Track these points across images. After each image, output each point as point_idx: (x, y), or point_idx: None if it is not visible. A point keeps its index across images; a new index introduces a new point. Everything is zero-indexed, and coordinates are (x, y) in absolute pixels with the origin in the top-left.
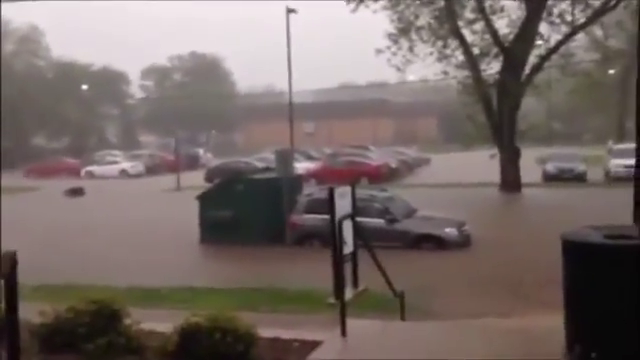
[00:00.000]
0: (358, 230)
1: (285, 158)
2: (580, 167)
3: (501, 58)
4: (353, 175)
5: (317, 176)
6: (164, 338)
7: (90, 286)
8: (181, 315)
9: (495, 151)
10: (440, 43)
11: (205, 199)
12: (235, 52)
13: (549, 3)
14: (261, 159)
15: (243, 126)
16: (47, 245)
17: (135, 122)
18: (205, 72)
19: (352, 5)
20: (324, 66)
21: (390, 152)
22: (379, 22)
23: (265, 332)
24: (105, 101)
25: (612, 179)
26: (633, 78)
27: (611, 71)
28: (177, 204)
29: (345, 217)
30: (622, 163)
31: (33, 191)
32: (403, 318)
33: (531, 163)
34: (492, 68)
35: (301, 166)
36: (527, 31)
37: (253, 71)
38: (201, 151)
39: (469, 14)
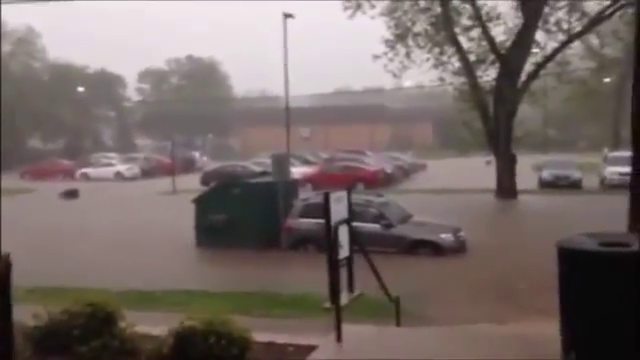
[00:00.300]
0: (354, 235)
1: (281, 162)
2: (576, 174)
3: (497, 65)
4: (349, 180)
5: (313, 181)
6: (159, 341)
7: (84, 289)
8: (176, 318)
9: (491, 157)
10: (437, 49)
11: (201, 202)
12: (231, 56)
13: (546, 11)
14: (257, 163)
15: (239, 130)
16: (41, 248)
17: (131, 125)
18: (202, 76)
19: (349, 11)
20: (321, 71)
21: (386, 157)
22: (376, 28)
23: (260, 336)
24: (101, 103)
25: (607, 186)
26: (628, 86)
27: (607, 79)
28: (173, 207)
29: (341, 222)
30: (617, 170)
31: (28, 193)
32: (398, 323)
33: (527, 170)
34: (488, 75)
35: (297, 170)
36: (523, 39)
37: (250, 75)
38: (197, 154)
39: (466, 21)
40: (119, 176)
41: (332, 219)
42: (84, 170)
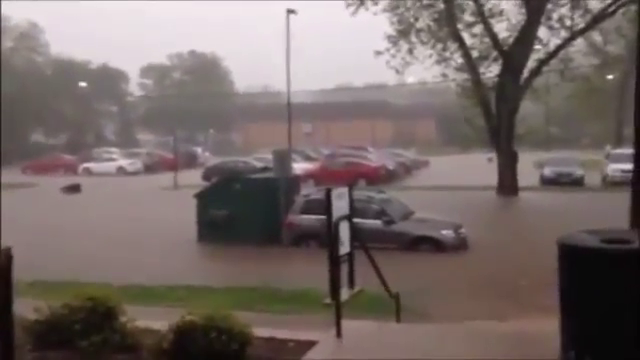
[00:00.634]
0: (355, 231)
1: (283, 158)
2: (578, 171)
3: (500, 61)
4: (351, 176)
5: (315, 177)
6: (159, 336)
7: (86, 283)
8: (177, 313)
9: (493, 154)
10: (439, 46)
11: (202, 198)
12: (234, 52)
13: (549, 8)
14: (259, 159)
15: (241, 125)
16: (43, 242)
17: (134, 120)
18: (204, 71)
19: (352, 7)
20: (323, 67)
21: (388, 154)
22: (379, 24)
23: (260, 331)
24: (104, 98)
25: (609, 184)
26: (631, 84)
27: (609, 76)
28: (174, 202)
29: (342, 218)
30: (620, 168)
31: (30, 187)
32: (398, 320)
33: (529, 167)
34: (491, 71)
35: (299, 166)
36: (526, 35)
37: (252, 71)
38: (199, 150)
39: (469, 17)
40: (121, 171)
41: (333, 215)
42: (86, 165)
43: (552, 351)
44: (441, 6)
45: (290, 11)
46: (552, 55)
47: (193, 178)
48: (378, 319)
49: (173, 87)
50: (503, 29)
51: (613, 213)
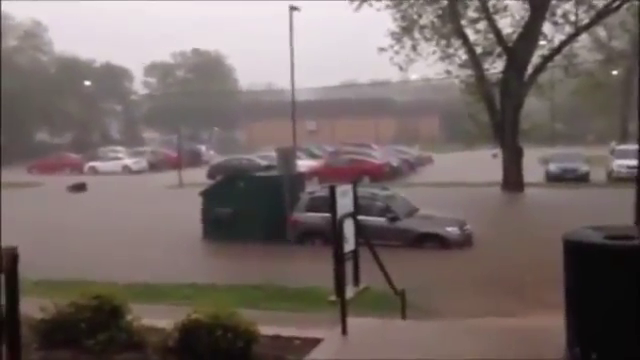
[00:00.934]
0: (359, 228)
1: (287, 156)
2: (583, 167)
3: (504, 58)
4: (355, 173)
5: (319, 174)
6: (165, 334)
7: (91, 281)
8: (182, 311)
9: (497, 150)
10: (443, 42)
11: (208, 195)
12: (237, 49)
13: (553, 3)
14: (263, 157)
15: (246, 123)
16: (49, 241)
17: (138, 118)
18: (208, 69)
19: (355, 4)
20: (327, 64)
21: (392, 151)
22: (382, 21)
23: (266, 329)
24: (108, 97)
25: (615, 180)
26: (636, 79)
27: (614, 72)
28: (179, 200)
29: (346, 215)
30: (625, 164)
31: (36, 187)
32: (404, 317)
33: (534, 163)
34: (495, 67)
35: (303, 164)
36: (530, 31)
37: (255, 69)
38: (203, 148)
39: (472, 13)
40: (126, 169)
41: (338, 212)
42: (92, 164)
43: (557, 348)
44: (444, 2)
45: (293, 8)
46: (556, 51)
47: (198, 176)
48: (383, 316)
49: (177, 85)
50: (507, 25)
51: (618, 209)
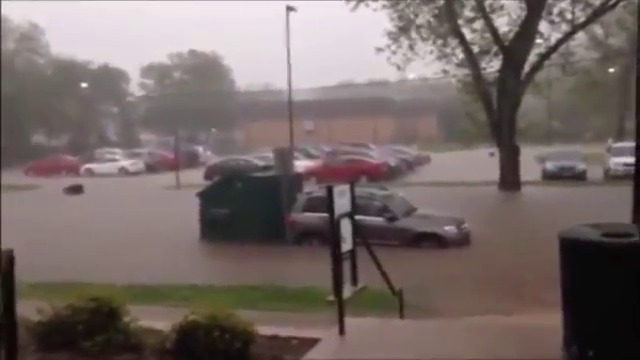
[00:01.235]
0: (357, 228)
1: (284, 156)
2: (580, 165)
3: (501, 56)
4: (353, 173)
5: (317, 174)
6: (163, 336)
7: (89, 283)
8: (180, 312)
9: (495, 149)
10: (440, 41)
11: (205, 197)
12: (234, 50)
13: (549, 2)
14: (261, 157)
15: (243, 124)
16: (46, 243)
17: (135, 120)
18: (205, 70)
19: (352, 4)
20: (324, 64)
21: (390, 150)
22: (379, 20)
23: (264, 330)
24: (105, 99)
25: (612, 177)
26: (633, 77)
27: (611, 70)
28: (177, 202)
29: (344, 215)
30: (622, 161)
31: (33, 189)
32: (402, 316)
33: (531, 161)
34: (492, 66)
35: (301, 164)
36: (527, 29)
37: (252, 69)
38: (201, 149)
39: (469, 12)
40: (123, 171)
41: (335, 212)
42: (88, 166)
43: (555, 346)
44: (441, 2)
45: (290, 8)
46: (553, 49)
47: (195, 177)
48: (381, 316)
49: (174, 86)
50: (504, 24)
51: (616, 207)
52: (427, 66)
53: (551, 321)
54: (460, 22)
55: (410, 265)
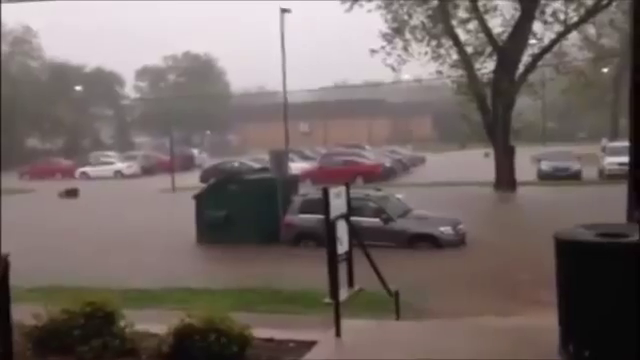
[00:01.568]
0: (353, 230)
1: (279, 158)
2: (575, 165)
3: (495, 57)
4: (348, 175)
5: (312, 176)
6: (159, 340)
7: (85, 288)
8: (176, 316)
9: (490, 150)
10: (434, 42)
11: (201, 199)
12: (228, 52)
13: (542, 2)
14: (256, 159)
15: (238, 126)
16: (41, 247)
17: (130, 123)
18: (199, 72)
19: (346, 5)
20: (319, 66)
21: (385, 151)
22: (373, 22)
23: (260, 332)
24: (99, 102)
25: (606, 177)
26: (626, 76)
27: (605, 69)
28: (172, 204)
29: (340, 217)
30: (616, 161)
31: (28, 193)
32: (398, 317)
33: (526, 162)
34: (486, 67)
35: (296, 166)
36: (521, 30)
37: (247, 71)
38: (196, 151)
39: (463, 13)
40: (119, 174)
41: (331, 214)
42: (83, 169)
43: (551, 345)
44: (435, 3)
45: (284, 10)
46: (547, 49)
47: (190, 180)
48: (378, 317)
49: (168, 89)
50: (497, 25)
51: (611, 207)
52: (422, 67)
53: (547, 321)
54: (454, 23)
55: (406, 266)
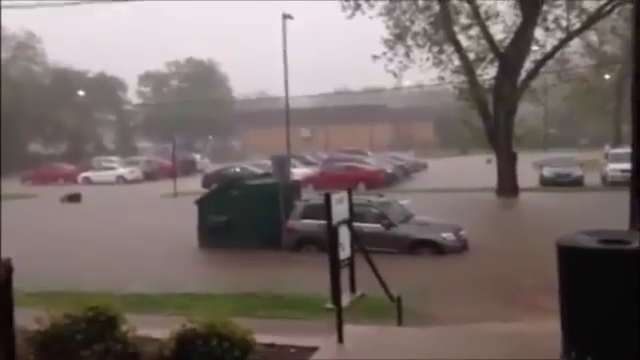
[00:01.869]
0: (355, 235)
1: (282, 164)
2: (577, 172)
3: (497, 63)
4: (350, 180)
5: (314, 181)
6: (161, 344)
7: (87, 292)
8: (178, 321)
9: (492, 156)
10: (436, 48)
11: (203, 204)
12: (231, 58)
13: (544, 9)
14: (258, 165)
15: (240, 131)
16: (44, 251)
17: (132, 128)
18: (202, 78)
19: (348, 11)
20: (321, 71)
21: (387, 157)
22: (375, 28)
23: (262, 338)
24: (102, 107)
25: (609, 183)
26: (628, 83)
27: (607, 76)
28: (174, 209)
29: (342, 222)
30: (619, 167)
31: (30, 198)
32: (400, 323)
33: (528, 168)
34: (488, 73)
35: (298, 171)
36: (522, 36)
37: (249, 77)
38: (198, 157)
39: (464, 19)
40: (121, 179)
41: (333, 220)
42: (86, 174)
43: (553, 352)
44: (437, 9)
45: (286, 16)
46: (548, 56)
47: (192, 185)
48: (380, 323)
49: (171, 94)
50: (499, 31)
51: (613, 213)
52: (423, 73)
53: (549, 328)
54: (456, 29)
55: (408, 272)
